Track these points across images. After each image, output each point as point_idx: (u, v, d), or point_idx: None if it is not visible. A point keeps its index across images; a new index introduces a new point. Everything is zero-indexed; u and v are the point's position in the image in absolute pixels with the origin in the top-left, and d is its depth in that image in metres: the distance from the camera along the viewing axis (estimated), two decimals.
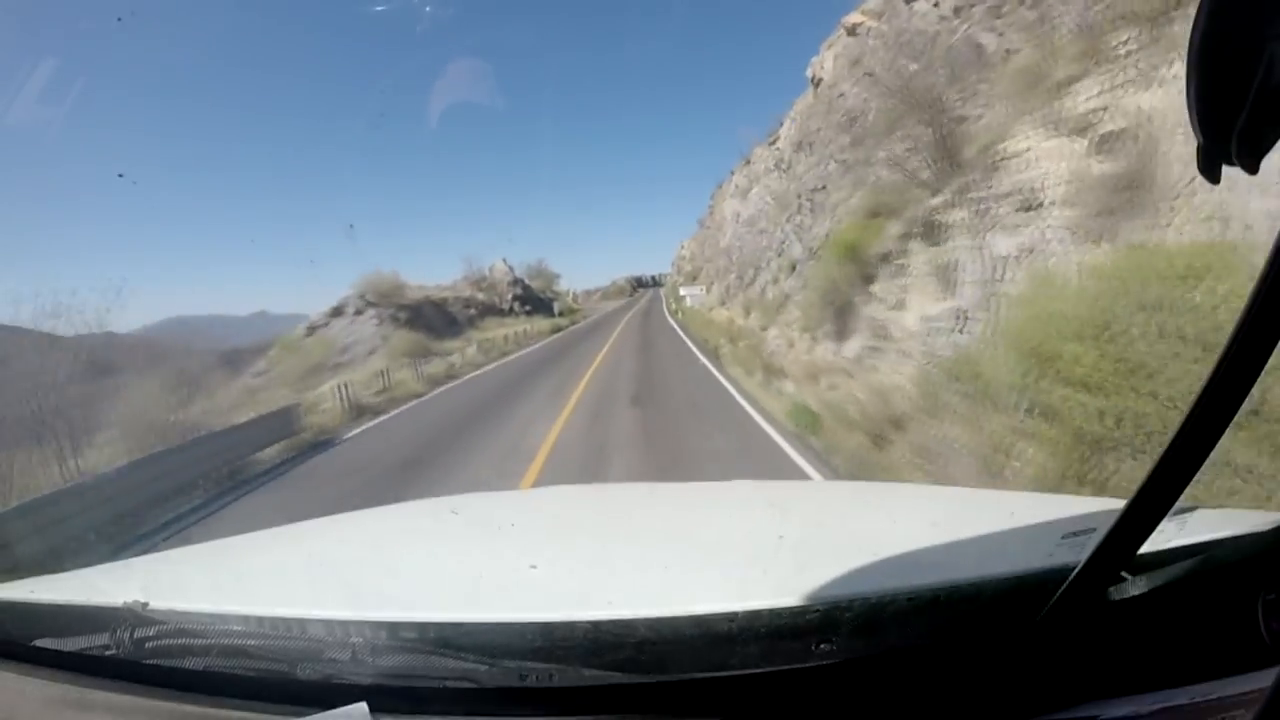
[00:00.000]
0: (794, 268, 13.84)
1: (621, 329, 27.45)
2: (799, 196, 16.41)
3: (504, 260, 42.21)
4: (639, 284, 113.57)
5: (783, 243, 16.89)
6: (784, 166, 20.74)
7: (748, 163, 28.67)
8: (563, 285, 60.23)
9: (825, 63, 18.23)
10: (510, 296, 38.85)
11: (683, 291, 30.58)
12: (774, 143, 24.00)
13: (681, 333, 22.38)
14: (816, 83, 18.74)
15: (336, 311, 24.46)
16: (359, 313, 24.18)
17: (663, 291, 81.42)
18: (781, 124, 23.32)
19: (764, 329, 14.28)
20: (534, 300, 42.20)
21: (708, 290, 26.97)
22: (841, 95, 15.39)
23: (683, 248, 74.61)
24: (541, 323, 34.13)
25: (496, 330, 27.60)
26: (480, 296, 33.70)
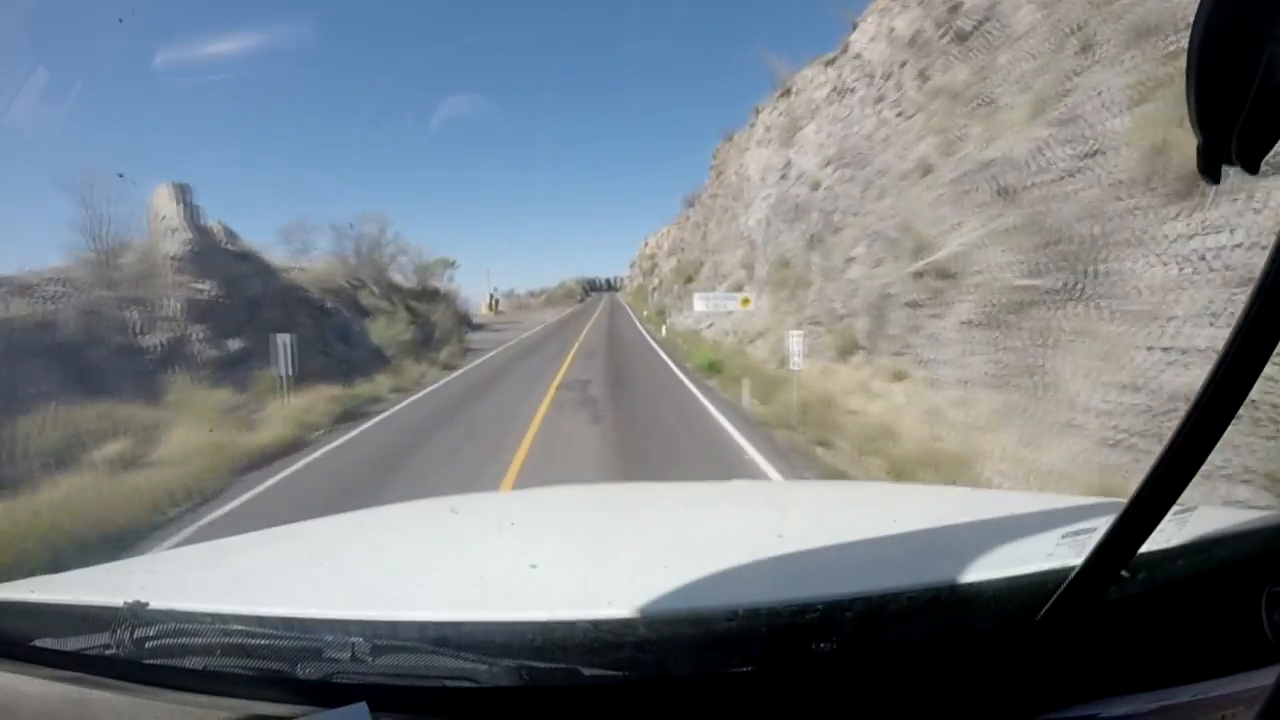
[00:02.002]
0: None
1: None
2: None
3: (178, 193, 11.50)
4: (591, 286, 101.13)
5: None
6: (951, 36, 9.43)
7: (786, 94, 17.50)
8: (455, 281, 33.02)
9: None
10: (178, 305, 10.23)
11: (701, 306, 12.98)
12: (831, 62, 14.64)
13: None
14: None
15: None
16: None
17: (620, 297, 68.44)
18: (853, 26, 14.00)
19: None
20: (265, 315, 11.58)
21: (748, 301, 12.15)
22: None
23: (646, 245, 61.18)
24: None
25: None
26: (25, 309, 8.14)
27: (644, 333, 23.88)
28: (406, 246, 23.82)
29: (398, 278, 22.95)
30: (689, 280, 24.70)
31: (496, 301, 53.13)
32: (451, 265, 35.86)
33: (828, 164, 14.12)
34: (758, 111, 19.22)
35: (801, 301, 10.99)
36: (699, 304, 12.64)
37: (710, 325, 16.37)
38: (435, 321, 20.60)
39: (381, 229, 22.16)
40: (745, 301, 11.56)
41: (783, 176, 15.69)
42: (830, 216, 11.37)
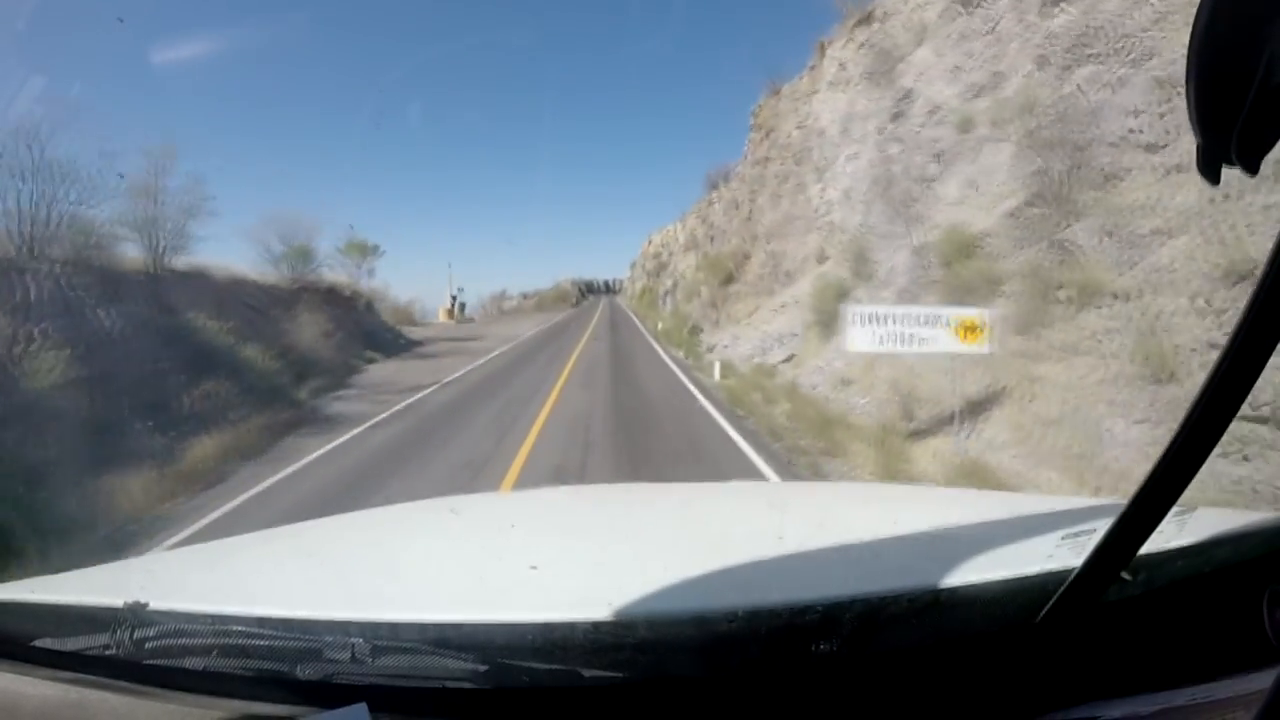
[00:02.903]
0: None
1: None
2: None
3: None
4: (589, 289, 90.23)
5: None
6: None
7: (865, 20, 12.67)
8: (378, 275, 26.02)
9: None
10: None
11: (865, 341, 5.37)
12: None
13: None
14: None
15: None
16: None
17: (621, 301, 60.42)
18: None
19: None
20: None
21: (976, 330, 5.00)
22: None
23: (650, 242, 55.24)
24: None
25: None
26: None
27: (677, 373, 11.91)
28: (211, 202, 12.21)
29: (237, 263, 14.08)
30: (729, 280, 19.26)
31: (460, 306, 39.03)
32: (373, 252, 24.32)
33: (978, 93, 9.25)
34: (823, 48, 14.21)
35: (1157, 343, 4.38)
36: (859, 337, 5.34)
37: (789, 359, 10.86)
38: (247, 357, 9.86)
39: (160, 163, 10.88)
40: (970, 331, 4.97)
41: (896, 116, 10.72)
42: (1081, 155, 6.38)
